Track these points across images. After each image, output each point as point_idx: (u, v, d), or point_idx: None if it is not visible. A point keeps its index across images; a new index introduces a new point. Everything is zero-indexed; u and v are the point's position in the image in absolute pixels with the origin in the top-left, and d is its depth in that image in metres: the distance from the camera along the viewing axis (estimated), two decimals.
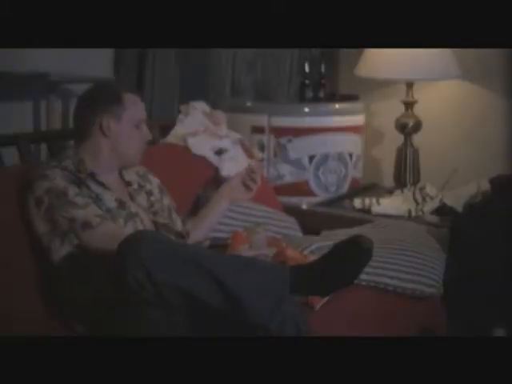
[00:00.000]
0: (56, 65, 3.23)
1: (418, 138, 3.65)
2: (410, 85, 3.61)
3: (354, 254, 2.09)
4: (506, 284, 2.64)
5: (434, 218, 3.31)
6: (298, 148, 3.53)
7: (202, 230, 2.70)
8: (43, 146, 2.98)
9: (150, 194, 2.53)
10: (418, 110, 3.64)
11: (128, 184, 2.48)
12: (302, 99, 3.76)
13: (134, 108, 2.40)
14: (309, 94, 3.76)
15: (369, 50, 3.54)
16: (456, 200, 3.30)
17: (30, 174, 2.34)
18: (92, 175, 2.36)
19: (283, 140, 3.52)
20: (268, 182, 3.41)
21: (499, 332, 2.56)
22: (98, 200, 2.32)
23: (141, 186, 2.52)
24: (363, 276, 2.68)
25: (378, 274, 2.68)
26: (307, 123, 3.57)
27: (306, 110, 3.62)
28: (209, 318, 2.07)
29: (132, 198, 2.45)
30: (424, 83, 3.68)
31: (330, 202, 3.52)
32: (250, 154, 3.29)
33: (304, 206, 3.47)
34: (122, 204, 2.37)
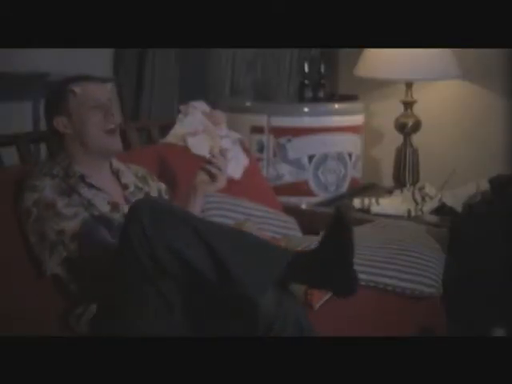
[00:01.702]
0: (56, 65, 3.23)
1: (417, 138, 3.66)
2: (409, 85, 3.61)
3: (342, 228, 2.09)
4: (506, 284, 2.65)
5: (434, 218, 3.31)
6: (298, 148, 3.53)
7: None
8: (43, 146, 2.98)
9: (148, 196, 2.49)
10: (417, 109, 3.64)
11: (124, 187, 2.46)
12: (302, 99, 3.76)
13: (82, 95, 2.36)
14: (308, 93, 3.76)
15: (368, 49, 3.54)
16: (455, 200, 3.30)
17: (22, 184, 2.34)
18: (82, 178, 2.34)
19: (283, 140, 3.53)
20: (267, 182, 3.42)
21: (499, 332, 2.56)
22: (89, 205, 2.30)
23: (139, 188, 2.49)
24: (362, 276, 2.68)
25: (377, 274, 2.68)
26: (307, 123, 3.57)
27: (306, 109, 3.62)
28: (205, 300, 2.07)
29: (127, 201, 2.42)
30: (423, 83, 3.68)
31: (329, 202, 3.52)
32: (249, 154, 3.29)
33: (303, 206, 3.47)
34: (115, 207, 2.35)
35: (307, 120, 3.59)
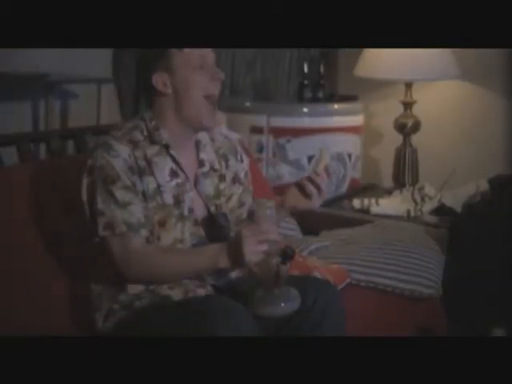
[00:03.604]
0: (55, 65, 3.23)
1: (416, 139, 3.66)
2: (409, 85, 3.61)
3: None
4: (506, 284, 2.65)
5: (433, 219, 3.31)
6: (297, 148, 3.53)
7: None
8: (42, 146, 2.98)
9: (222, 179, 2.30)
10: (417, 110, 3.64)
11: (200, 164, 2.26)
12: (301, 99, 3.77)
13: (189, 53, 2.17)
14: (308, 94, 3.76)
15: (368, 50, 3.54)
16: (455, 200, 3.30)
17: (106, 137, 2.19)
18: (166, 147, 2.18)
19: (282, 140, 3.53)
20: (267, 183, 3.41)
21: (499, 332, 2.56)
22: (156, 193, 2.15)
23: (214, 170, 2.29)
24: (362, 277, 2.69)
25: (376, 275, 2.69)
26: (306, 123, 3.57)
27: (305, 110, 3.62)
28: None
29: (196, 183, 2.24)
30: (423, 83, 3.68)
31: (329, 203, 3.52)
32: (248, 154, 3.29)
33: None
34: (178, 202, 2.18)
35: (307, 120, 3.59)
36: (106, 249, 2.12)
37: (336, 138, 3.61)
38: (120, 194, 2.10)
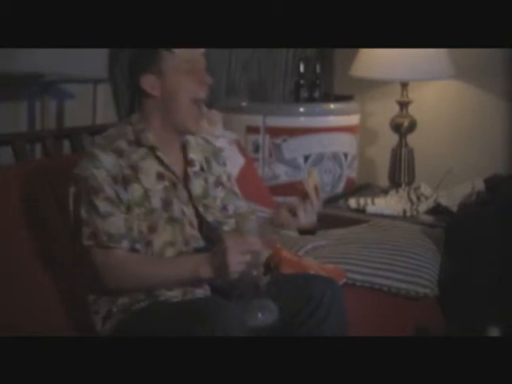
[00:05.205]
0: (51, 65, 3.23)
1: (412, 138, 3.66)
2: (404, 85, 3.61)
3: None
4: (501, 283, 2.65)
5: (429, 218, 3.32)
6: (293, 148, 3.53)
7: None
8: (38, 146, 2.98)
9: (205, 181, 2.31)
10: (412, 109, 3.64)
11: (190, 163, 2.27)
12: (297, 99, 3.77)
13: (179, 56, 2.18)
14: (304, 94, 3.76)
15: (364, 50, 3.54)
16: (451, 200, 3.31)
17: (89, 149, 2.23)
18: (153, 149, 2.19)
19: (278, 140, 3.53)
20: (263, 182, 3.42)
21: (494, 332, 2.56)
22: (143, 199, 2.16)
23: (202, 170, 2.30)
24: (358, 276, 2.69)
25: (372, 275, 2.69)
26: (302, 123, 3.57)
27: (301, 110, 3.62)
28: None
29: (186, 182, 2.25)
30: (419, 83, 3.69)
31: (325, 202, 3.52)
32: (245, 154, 3.29)
33: None
34: (166, 204, 2.19)
35: (303, 120, 3.59)
36: (89, 257, 2.15)
37: (332, 137, 3.61)
38: (102, 205, 2.12)
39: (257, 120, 3.54)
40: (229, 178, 2.41)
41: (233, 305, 2.05)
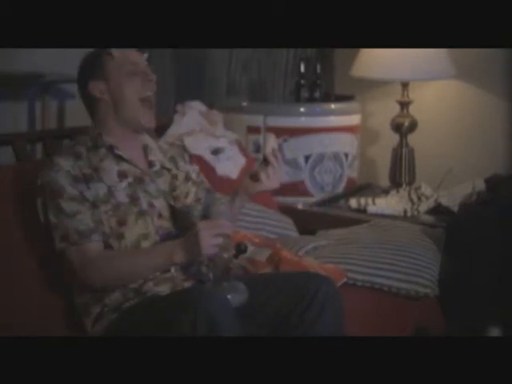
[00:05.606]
0: (51, 65, 3.22)
1: (413, 138, 3.66)
2: (405, 85, 3.61)
3: None
4: (501, 283, 2.65)
5: (430, 218, 3.32)
6: (294, 148, 3.53)
7: None
8: (38, 146, 2.98)
9: (174, 177, 2.40)
10: (413, 109, 3.64)
11: (150, 164, 2.36)
12: (298, 99, 3.77)
13: (121, 59, 2.29)
14: (304, 94, 3.76)
15: (364, 50, 3.54)
16: (451, 200, 3.30)
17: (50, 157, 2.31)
18: (111, 148, 2.28)
19: (279, 140, 3.52)
20: None
21: (495, 332, 2.56)
22: (108, 194, 2.23)
23: (165, 169, 2.39)
24: (358, 276, 2.69)
25: (373, 274, 2.69)
26: (303, 123, 3.57)
27: (302, 110, 3.62)
28: None
29: (152, 179, 2.33)
30: (420, 83, 3.69)
31: (325, 202, 3.52)
32: (246, 154, 3.29)
33: (300, 206, 3.47)
34: (133, 199, 2.26)
35: (303, 120, 3.59)
36: (65, 260, 2.21)
37: (333, 137, 3.60)
38: (67, 206, 2.19)
39: (257, 120, 3.54)
40: (198, 174, 2.50)
41: (217, 290, 2.11)
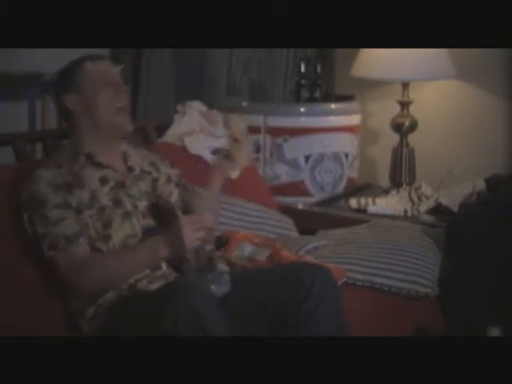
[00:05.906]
0: (52, 65, 3.22)
1: (413, 138, 3.66)
2: (405, 85, 3.61)
3: None
4: (501, 283, 2.65)
5: (430, 218, 3.32)
6: (294, 148, 3.53)
7: None
8: (39, 146, 2.97)
9: (156, 180, 2.46)
10: (413, 109, 3.64)
11: (130, 169, 2.41)
12: (298, 99, 3.76)
13: (93, 72, 2.34)
14: (304, 94, 3.76)
15: (364, 50, 3.54)
16: (452, 199, 3.30)
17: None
18: (89, 156, 2.33)
19: (279, 140, 3.53)
20: (264, 182, 3.41)
21: (495, 332, 2.56)
22: (91, 199, 2.28)
23: (146, 172, 2.45)
24: (358, 276, 2.69)
25: (373, 274, 2.69)
26: (303, 123, 3.57)
27: (302, 110, 3.62)
28: None
29: (133, 183, 2.38)
30: (420, 83, 3.68)
31: (325, 202, 3.52)
32: None
33: (300, 206, 3.47)
34: (117, 202, 2.32)
35: (303, 120, 3.59)
36: (55, 268, 2.24)
37: (333, 137, 3.60)
38: (52, 214, 2.23)
39: (257, 120, 3.54)
40: (179, 177, 2.55)
41: (200, 282, 2.15)
